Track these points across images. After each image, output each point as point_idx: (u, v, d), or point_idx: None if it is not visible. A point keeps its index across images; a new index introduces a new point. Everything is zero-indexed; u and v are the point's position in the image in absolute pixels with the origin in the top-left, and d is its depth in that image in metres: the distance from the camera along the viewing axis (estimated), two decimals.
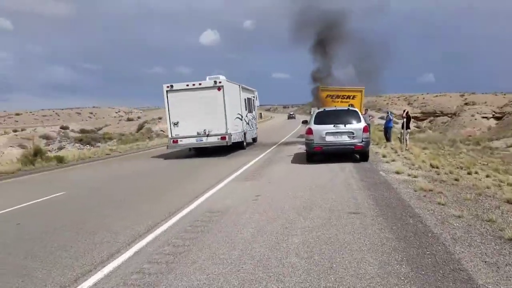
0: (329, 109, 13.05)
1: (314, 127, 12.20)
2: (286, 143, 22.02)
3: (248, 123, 21.06)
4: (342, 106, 16.70)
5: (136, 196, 9.03)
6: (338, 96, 21.47)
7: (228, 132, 16.74)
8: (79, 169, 16.49)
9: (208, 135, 16.67)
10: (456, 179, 9.39)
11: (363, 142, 11.94)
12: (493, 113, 70.04)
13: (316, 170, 10.89)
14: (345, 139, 11.98)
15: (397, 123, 34.64)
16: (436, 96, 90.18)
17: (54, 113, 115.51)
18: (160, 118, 54.20)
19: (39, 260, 5.05)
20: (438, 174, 10.18)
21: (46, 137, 43.08)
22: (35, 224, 7.02)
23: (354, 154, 13.02)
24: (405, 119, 17.47)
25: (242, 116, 19.60)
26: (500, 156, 28.04)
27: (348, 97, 21.51)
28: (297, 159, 13.94)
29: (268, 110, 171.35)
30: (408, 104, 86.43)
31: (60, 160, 19.03)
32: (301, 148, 17.66)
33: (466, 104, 78.39)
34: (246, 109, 20.77)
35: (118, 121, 62.76)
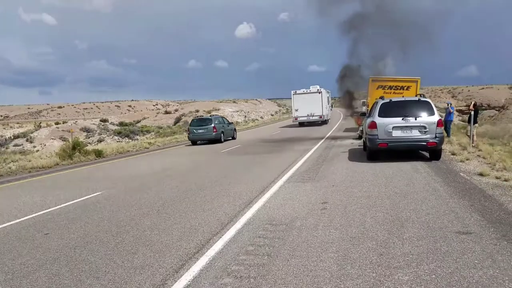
0: (396, 99, 11.26)
1: (379, 120, 10.54)
2: (334, 137, 20.55)
3: (328, 110, 37.82)
4: (397, 97, 14.82)
5: (180, 199, 7.84)
6: (390, 87, 19.40)
7: (323, 114, 33.46)
8: (117, 164, 15.69)
9: (312, 116, 33.11)
10: None
11: (437, 138, 10.23)
12: None
13: (385, 171, 9.31)
14: (415, 134, 10.29)
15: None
16: (482, 88, 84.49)
17: (95, 106, 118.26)
18: (197, 111, 53.38)
19: None
20: None
21: (86, 129, 43.35)
22: (65, 234, 5.96)
23: (423, 152, 11.40)
24: (472, 112, 15.44)
25: (326, 106, 35.79)
26: None
27: (402, 87, 19.42)
28: (355, 156, 12.39)
29: None
30: (452, 96, 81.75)
31: (99, 154, 18.42)
32: (354, 144, 16.14)
33: None
34: (327, 102, 37.01)
35: (156, 114, 62.71)
